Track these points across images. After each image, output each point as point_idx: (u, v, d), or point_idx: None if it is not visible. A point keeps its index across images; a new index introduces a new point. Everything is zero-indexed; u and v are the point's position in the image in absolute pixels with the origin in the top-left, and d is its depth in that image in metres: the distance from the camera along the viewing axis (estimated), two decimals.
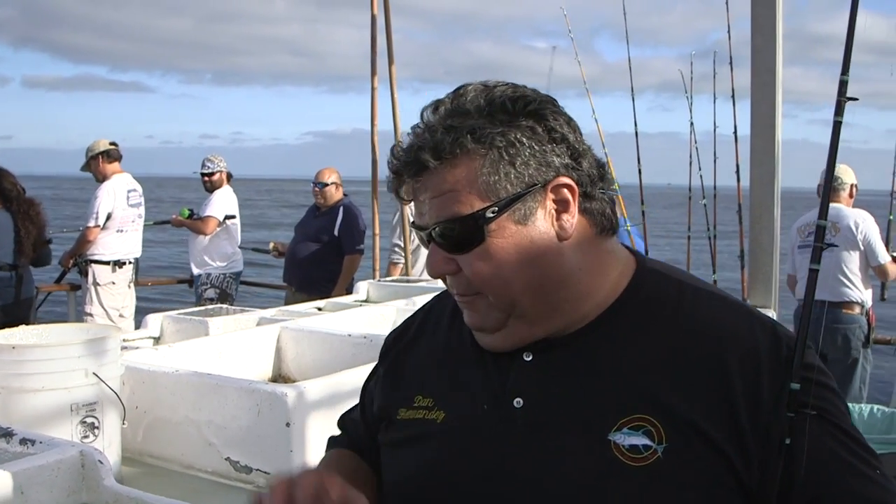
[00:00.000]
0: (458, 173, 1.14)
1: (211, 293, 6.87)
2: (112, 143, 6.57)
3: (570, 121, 1.20)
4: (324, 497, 1.09)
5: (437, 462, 1.22)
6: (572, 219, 1.16)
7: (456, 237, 1.15)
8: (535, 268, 1.15)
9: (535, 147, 1.14)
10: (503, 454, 1.17)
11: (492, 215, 1.13)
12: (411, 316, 1.47)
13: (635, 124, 5.10)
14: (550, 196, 1.15)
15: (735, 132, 4.75)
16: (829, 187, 1.36)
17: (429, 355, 1.34)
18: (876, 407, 3.86)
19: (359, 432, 1.43)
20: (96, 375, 2.14)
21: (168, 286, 8.87)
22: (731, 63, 4.99)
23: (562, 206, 1.16)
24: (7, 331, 2.39)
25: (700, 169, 5.08)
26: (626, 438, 1.10)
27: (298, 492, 1.09)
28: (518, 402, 1.18)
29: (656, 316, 1.19)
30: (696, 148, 5.12)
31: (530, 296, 1.16)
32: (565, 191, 1.16)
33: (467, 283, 1.18)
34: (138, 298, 6.83)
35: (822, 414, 1.12)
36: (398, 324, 3.53)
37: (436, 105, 1.19)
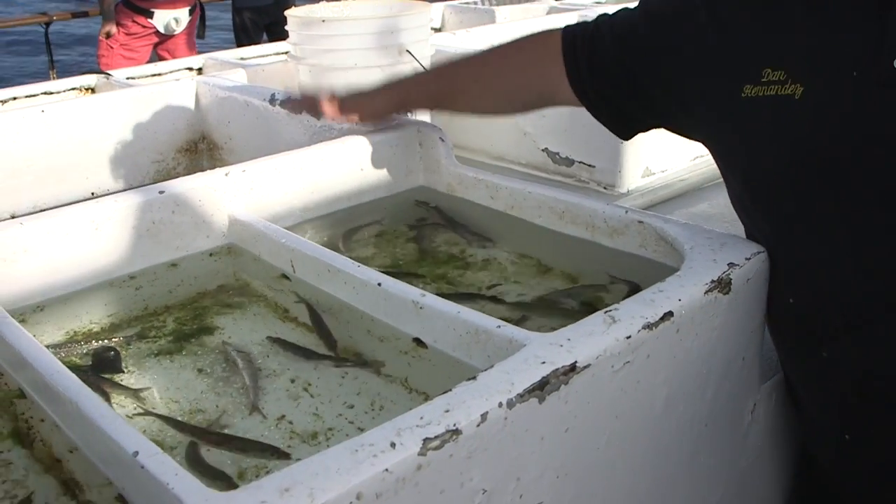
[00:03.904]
0: None
1: None
2: None
3: None
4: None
5: (798, 143, 0.99)
6: None
7: None
8: None
9: None
10: (881, 129, 0.92)
11: None
12: None
13: None
14: None
15: None
16: None
17: (773, 19, 1.05)
18: None
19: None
20: (410, 53, 1.96)
21: None
22: None
23: None
24: (308, 7, 2.25)
25: None
26: None
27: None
28: None
29: None
30: None
31: None
32: None
33: None
34: None
35: None
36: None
37: None
